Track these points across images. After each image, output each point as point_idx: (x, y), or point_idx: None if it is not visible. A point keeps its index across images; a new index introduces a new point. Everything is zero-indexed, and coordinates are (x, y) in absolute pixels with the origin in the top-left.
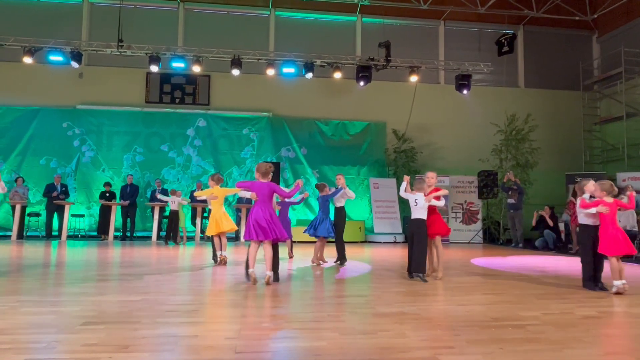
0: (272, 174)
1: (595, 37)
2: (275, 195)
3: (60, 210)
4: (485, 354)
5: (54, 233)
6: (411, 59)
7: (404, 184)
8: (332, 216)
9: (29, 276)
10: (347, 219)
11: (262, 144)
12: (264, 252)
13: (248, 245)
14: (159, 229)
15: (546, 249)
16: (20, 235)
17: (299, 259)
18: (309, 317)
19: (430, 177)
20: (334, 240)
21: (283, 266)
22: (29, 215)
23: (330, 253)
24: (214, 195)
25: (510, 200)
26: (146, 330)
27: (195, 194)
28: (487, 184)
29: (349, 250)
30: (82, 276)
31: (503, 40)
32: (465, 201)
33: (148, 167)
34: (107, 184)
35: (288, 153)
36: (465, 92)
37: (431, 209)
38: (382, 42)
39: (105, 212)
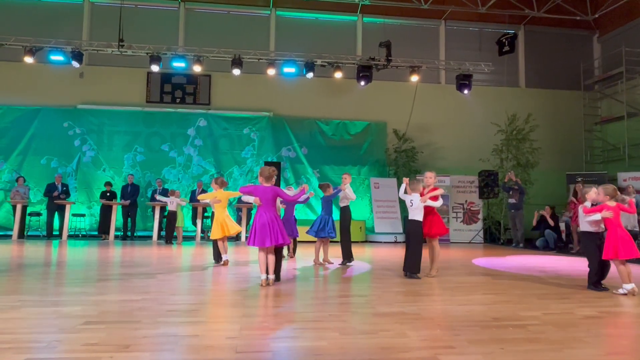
0: (275, 177)
1: (596, 37)
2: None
3: (61, 209)
4: (485, 354)
5: (54, 233)
6: (412, 58)
7: (403, 186)
8: (337, 216)
9: (29, 276)
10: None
11: (262, 143)
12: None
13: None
14: (160, 229)
15: (547, 248)
16: (21, 235)
17: (300, 258)
18: (309, 316)
19: (429, 176)
20: (335, 240)
21: (285, 266)
22: (30, 214)
23: (333, 253)
24: (217, 198)
25: (511, 200)
26: (147, 330)
27: (199, 197)
28: (488, 183)
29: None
30: (82, 276)
31: (504, 40)
32: (466, 201)
33: (149, 167)
34: (108, 184)
35: (289, 153)
36: (466, 91)
37: (429, 210)
38: (382, 41)
39: (106, 212)
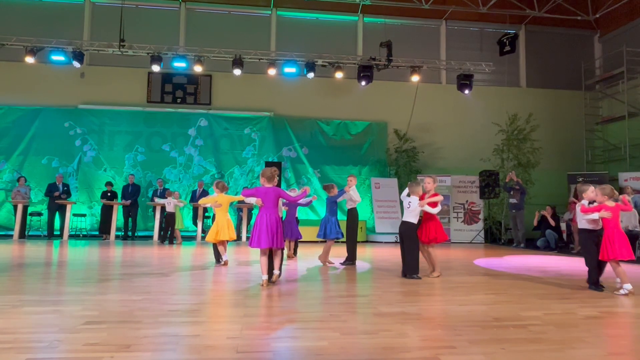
0: (277, 178)
1: (597, 37)
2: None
3: (62, 209)
4: (486, 354)
5: (55, 232)
6: (413, 58)
7: (406, 190)
8: (343, 217)
9: (30, 275)
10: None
11: (263, 143)
12: (273, 255)
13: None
14: (161, 229)
15: (548, 249)
16: (22, 235)
17: (301, 259)
18: (310, 316)
19: (427, 182)
20: (341, 240)
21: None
22: (31, 214)
23: (336, 253)
24: (218, 203)
25: (512, 200)
26: (148, 329)
27: (200, 201)
28: (489, 183)
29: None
30: (83, 276)
31: (505, 40)
32: (467, 201)
33: (149, 167)
34: (109, 184)
35: (289, 153)
36: (466, 91)
37: (429, 215)
38: (383, 41)
39: (106, 212)
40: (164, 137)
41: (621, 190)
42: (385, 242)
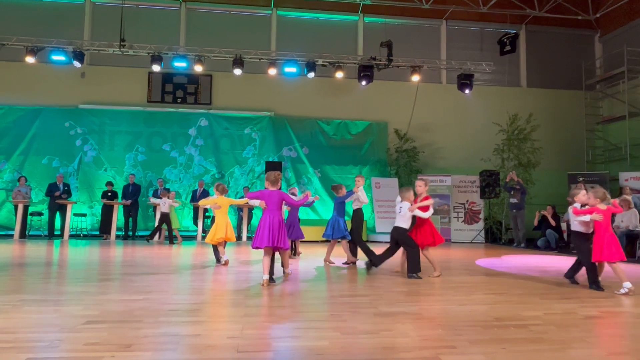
0: (281, 181)
1: (598, 37)
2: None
3: (63, 209)
4: (487, 354)
5: (56, 232)
6: (413, 58)
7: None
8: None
9: (31, 275)
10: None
11: (263, 143)
12: (279, 255)
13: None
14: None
15: (548, 248)
16: (22, 235)
17: (302, 258)
18: (310, 316)
19: (419, 185)
20: (344, 240)
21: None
22: (32, 214)
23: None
24: (218, 204)
25: (513, 200)
26: (148, 329)
27: (200, 202)
28: (489, 183)
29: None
30: (84, 275)
31: (505, 40)
32: (467, 201)
33: (150, 167)
34: (109, 184)
35: (290, 153)
36: (467, 91)
37: (422, 220)
38: (383, 41)
39: (107, 212)
40: (165, 137)
41: (621, 190)
42: (386, 242)
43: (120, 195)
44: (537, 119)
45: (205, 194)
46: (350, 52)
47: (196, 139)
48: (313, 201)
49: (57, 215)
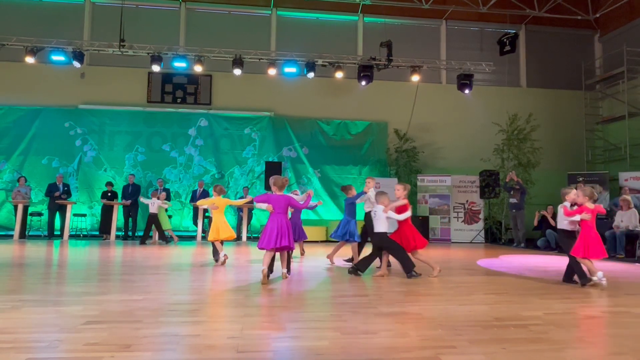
0: (286, 186)
1: (597, 37)
2: None
3: (63, 209)
4: (487, 354)
5: (56, 232)
6: (413, 58)
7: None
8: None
9: (31, 275)
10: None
11: (263, 143)
12: (279, 255)
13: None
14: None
15: (548, 248)
16: (22, 235)
17: (305, 258)
18: (310, 316)
19: (397, 189)
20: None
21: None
22: (31, 214)
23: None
24: (215, 205)
25: (512, 200)
26: (148, 329)
27: (198, 202)
28: (489, 183)
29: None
30: (84, 275)
31: (505, 40)
32: (467, 201)
33: (150, 167)
34: (109, 184)
35: (290, 153)
36: (467, 91)
37: (402, 223)
38: (383, 41)
39: (107, 212)
40: (164, 137)
41: (620, 190)
42: None
43: (120, 196)
44: (537, 119)
45: (205, 194)
46: (350, 52)
47: (196, 139)
48: (316, 205)
49: (57, 215)
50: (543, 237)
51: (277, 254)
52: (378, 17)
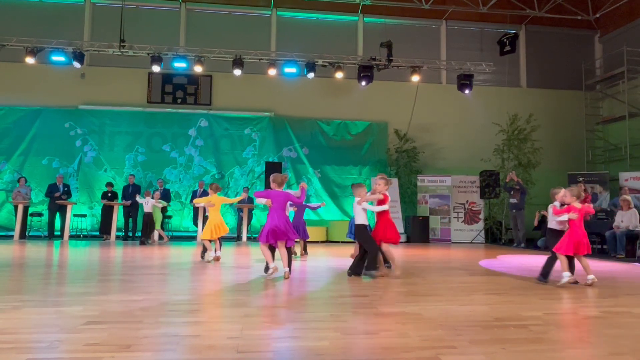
0: (286, 183)
1: (598, 37)
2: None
3: (63, 210)
4: (487, 354)
5: (56, 233)
6: (413, 58)
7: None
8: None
9: (31, 276)
10: (350, 219)
11: (263, 144)
12: (279, 253)
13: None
14: (162, 229)
15: (548, 249)
16: (22, 235)
17: (307, 258)
18: (311, 316)
19: (378, 183)
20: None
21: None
22: (32, 215)
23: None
24: (212, 202)
25: (513, 200)
26: (148, 329)
27: (194, 201)
28: (489, 183)
29: (351, 250)
30: (84, 276)
31: (505, 40)
32: (467, 201)
33: (150, 167)
34: (109, 184)
35: (290, 153)
36: (467, 91)
37: (380, 215)
38: (383, 41)
39: (107, 212)
40: (165, 137)
41: (620, 190)
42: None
43: (120, 196)
44: (537, 119)
45: (205, 194)
46: (350, 53)
47: (196, 140)
48: (319, 206)
49: (57, 215)
50: (543, 237)
51: (278, 253)
52: (378, 17)
